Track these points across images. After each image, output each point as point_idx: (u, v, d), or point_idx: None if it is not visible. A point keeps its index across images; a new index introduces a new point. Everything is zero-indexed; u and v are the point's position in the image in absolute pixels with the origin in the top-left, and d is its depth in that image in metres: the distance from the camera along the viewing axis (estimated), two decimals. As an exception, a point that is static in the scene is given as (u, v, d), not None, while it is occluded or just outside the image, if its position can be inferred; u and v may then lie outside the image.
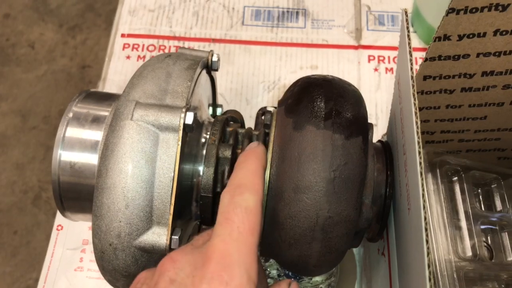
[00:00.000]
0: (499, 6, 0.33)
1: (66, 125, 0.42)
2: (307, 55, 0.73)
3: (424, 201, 0.26)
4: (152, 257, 0.38)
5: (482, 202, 0.50)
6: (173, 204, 0.37)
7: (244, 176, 0.36)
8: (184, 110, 0.38)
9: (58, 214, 0.61)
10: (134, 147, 0.37)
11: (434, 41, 0.36)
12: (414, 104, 0.29)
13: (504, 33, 0.35)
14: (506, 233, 0.49)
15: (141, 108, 0.38)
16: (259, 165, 0.37)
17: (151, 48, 0.73)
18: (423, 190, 0.27)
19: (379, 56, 0.72)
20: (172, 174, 0.37)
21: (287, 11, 0.76)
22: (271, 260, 0.54)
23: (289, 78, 0.71)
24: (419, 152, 0.28)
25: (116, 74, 0.71)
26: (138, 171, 0.37)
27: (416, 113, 0.29)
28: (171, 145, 0.37)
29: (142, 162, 0.37)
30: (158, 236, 0.37)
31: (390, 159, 0.43)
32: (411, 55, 0.31)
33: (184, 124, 0.37)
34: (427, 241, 0.25)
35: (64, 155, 0.42)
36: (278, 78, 0.71)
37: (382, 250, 0.48)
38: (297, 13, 0.76)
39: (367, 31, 0.74)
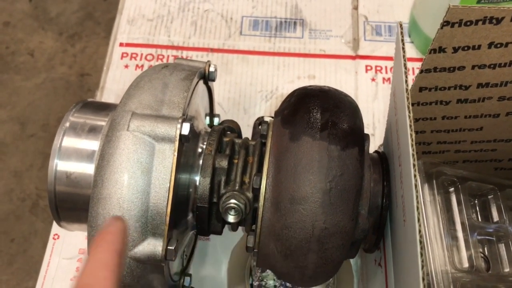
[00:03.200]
0: (493, 19, 0.33)
1: (63, 134, 0.42)
2: (305, 65, 0.73)
3: (419, 213, 0.26)
4: (147, 267, 0.38)
5: (479, 213, 0.50)
6: (168, 214, 0.37)
7: (91, 272, 0.29)
8: (180, 120, 0.38)
9: (55, 223, 0.60)
10: (130, 158, 0.37)
11: (430, 53, 0.37)
12: (409, 116, 0.29)
13: (498, 45, 0.35)
14: (503, 244, 0.48)
15: (137, 118, 0.38)
16: (112, 252, 0.30)
17: (149, 57, 0.73)
18: (417, 203, 0.27)
19: (376, 66, 0.72)
20: (168, 185, 0.37)
21: (285, 21, 0.76)
22: (267, 270, 0.53)
23: (287, 87, 0.71)
24: (414, 165, 0.28)
25: (114, 83, 0.71)
26: (134, 182, 0.36)
27: (411, 126, 0.29)
28: (167, 155, 0.37)
29: (138, 172, 0.37)
30: (154, 247, 0.37)
31: (386, 169, 0.43)
32: (405, 68, 0.31)
33: (180, 135, 0.37)
34: (421, 254, 0.25)
35: (61, 165, 0.42)
36: (276, 88, 0.71)
37: (379, 261, 0.47)
38: (295, 23, 0.76)
39: (365, 41, 0.74)
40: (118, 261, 0.30)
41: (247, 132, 0.59)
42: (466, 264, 0.45)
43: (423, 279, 0.24)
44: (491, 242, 0.49)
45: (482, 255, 0.48)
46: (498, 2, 0.55)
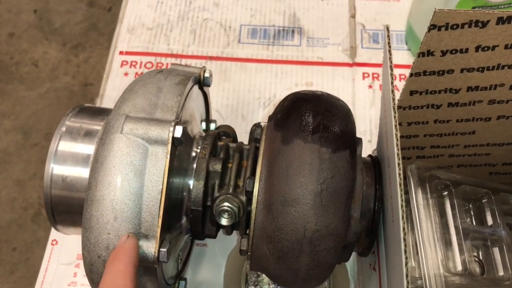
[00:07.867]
0: (478, 22, 0.34)
1: (59, 139, 0.43)
2: (302, 72, 0.74)
3: (403, 211, 0.26)
4: (140, 269, 0.39)
5: (473, 217, 0.50)
6: (161, 216, 0.37)
7: (112, 281, 0.34)
8: (173, 123, 0.38)
9: (53, 229, 0.61)
10: (123, 160, 0.37)
11: (418, 56, 0.37)
12: (394, 117, 0.30)
13: (485, 49, 0.36)
14: (497, 248, 0.48)
15: (130, 121, 0.38)
16: (128, 264, 0.35)
17: (148, 65, 0.74)
18: (402, 200, 0.27)
19: (373, 73, 0.73)
20: (161, 187, 0.37)
21: (283, 30, 0.77)
22: (262, 275, 0.54)
23: (284, 94, 0.71)
24: (399, 164, 0.28)
25: (114, 90, 0.72)
26: (127, 184, 0.37)
27: (396, 126, 0.29)
28: (160, 158, 0.38)
29: (131, 174, 0.37)
30: (146, 248, 0.37)
31: (379, 173, 0.44)
32: (391, 70, 0.31)
33: (173, 138, 0.38)
34: (405, 252, 0.25)
35: (56, 169, 0.43)
36: (274, 95, 0.72)
37: (373, 265, 0.48)
38: (293, 31, 0.77)
39: (362, 49, 0.75)
40: (135, 272, 0.35)
41: (244, 139, 0.60)
42: (459, 268, 0.45)
43: (407, 276, 0.25)
44: (485, 246, 0.49)
45: (476, 259, 0.48)
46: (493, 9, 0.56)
